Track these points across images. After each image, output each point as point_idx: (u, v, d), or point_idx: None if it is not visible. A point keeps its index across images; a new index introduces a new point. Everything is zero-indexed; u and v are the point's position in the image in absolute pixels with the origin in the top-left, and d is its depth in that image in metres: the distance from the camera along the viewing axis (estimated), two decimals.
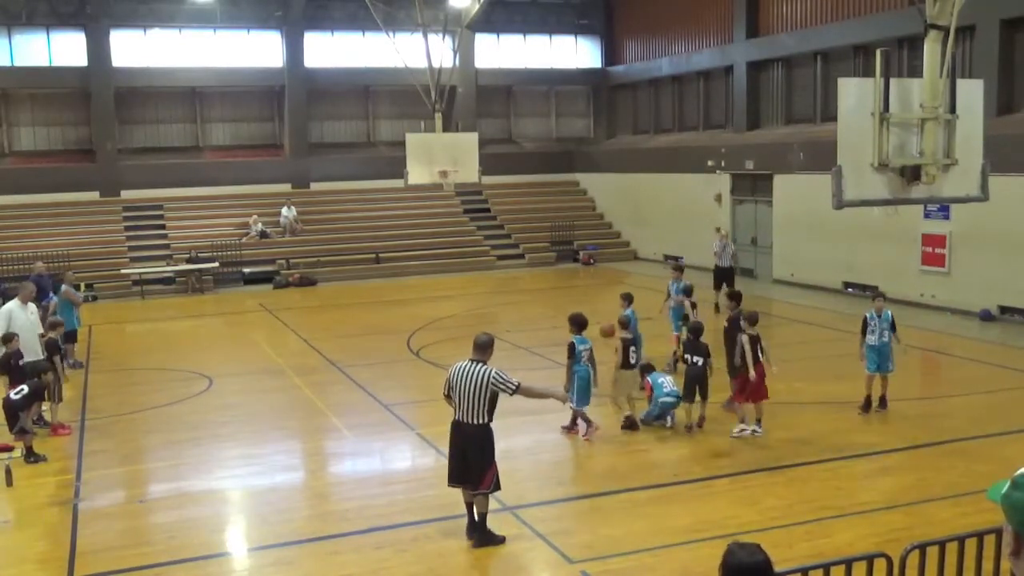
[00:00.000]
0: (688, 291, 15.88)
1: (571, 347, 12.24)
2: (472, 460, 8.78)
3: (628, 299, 13.90)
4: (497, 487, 8.93)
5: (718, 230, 28.07)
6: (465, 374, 8.72)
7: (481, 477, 8.78)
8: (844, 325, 19.06)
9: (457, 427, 8.88)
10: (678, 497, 10.14)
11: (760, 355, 12.11)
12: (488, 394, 8.68)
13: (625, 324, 12.95)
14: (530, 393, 9.33)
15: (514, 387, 8.80)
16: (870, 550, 6.91)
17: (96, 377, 16.64)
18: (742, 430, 12.09)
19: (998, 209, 15.47)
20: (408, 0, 27.03)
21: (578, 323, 12.41)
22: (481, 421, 8.74)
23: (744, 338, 12.10)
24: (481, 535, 8.90)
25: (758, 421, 12.19)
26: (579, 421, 12.36)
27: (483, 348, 8.92)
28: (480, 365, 8.77)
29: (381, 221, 31.98)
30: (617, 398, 12.87)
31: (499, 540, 8.91)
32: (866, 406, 13.03)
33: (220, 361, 18.04)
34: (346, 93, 34.25)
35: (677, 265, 17.40)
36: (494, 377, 8.68)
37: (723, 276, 21.52)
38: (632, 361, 12.70)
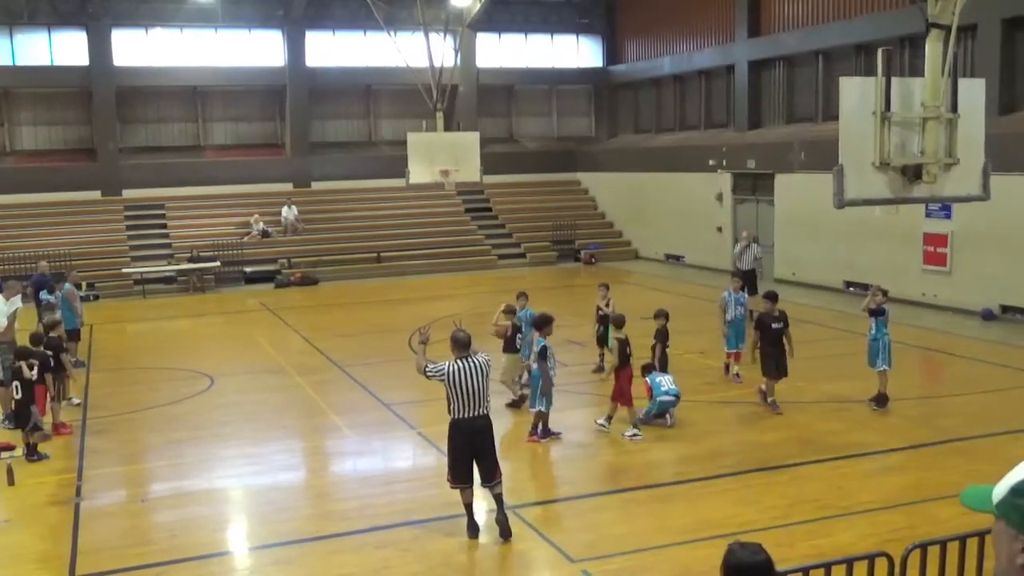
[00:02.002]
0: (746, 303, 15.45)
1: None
2: (486, 452, 9.01)
3: (525, 297, 14.36)
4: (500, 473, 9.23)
5: (719, 230, 28.15)
6: (474, 370, 8.92)
7: (495, 467, 9.06)
8: (845, 324, 19.06)
9: (469, 423, 8.97)
10: (679, 496, 10.15)
11: (628, 359, 12.28)
12: (489, 381, 9.13)
13: (512, 312, 13.71)
14: None
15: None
16: (871, 549, 6.90)
17: (97, 376, 16.65)
18: (634, 435, 12.14)
19: (1000, 208, 15.45)
20: None
21: (536, 325, 12.47)
22: (488, 411, 9.08)
23: (613, 343, 12.33)
24: (504, 514, 9.01)
25: (608, 418, 12.38)
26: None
27: (467, 344, 9.14)
28: (473, 359, 9.01)
29: (382, 220, 31.98)
30: (505, 380, 13.36)
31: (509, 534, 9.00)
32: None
33: (221, 360, 18.04)
34: (347, 92, 34.25)
35: (737, 277, 16.65)
36: (490, 365, 9.24)
37: (744, 280, 20.98)
38: (517, 346, 13.46)
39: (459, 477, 9.05)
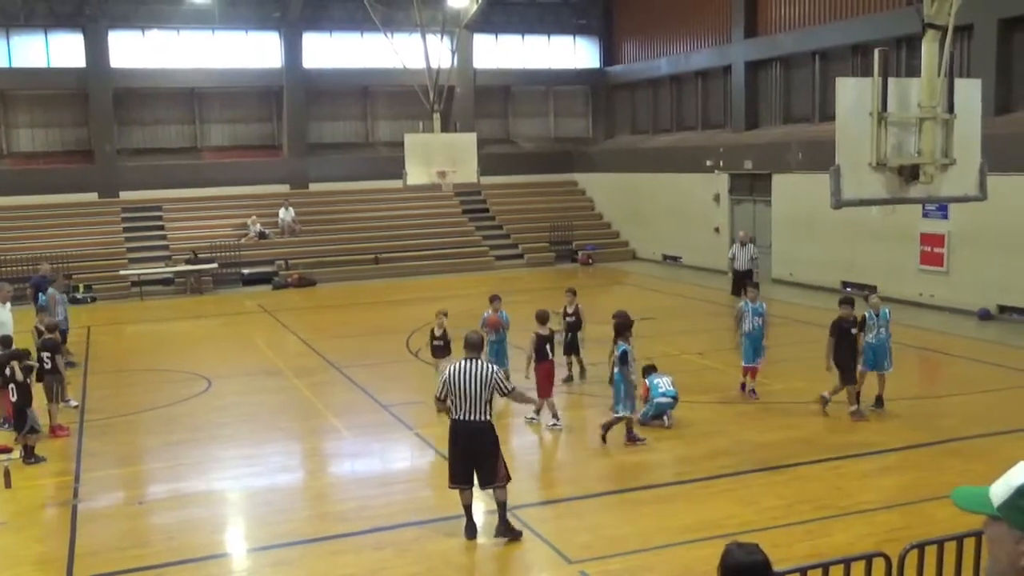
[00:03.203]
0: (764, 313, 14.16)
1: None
2: (482, 458, 8.92)
3: (498, 300, 14.55)
4: (509, 477, 9.09)
5: (717, 230, 28.16)
6: (467, 373, 8.86)
7: (494, 472, 8.94)
8: None
9: (462, 426, 8.94)
10: (678, 497, 10.15)
11: (550, 353, 12.62)
12: (491, 392, 8.94)
13: (446, 315, 14.31)
14: (519, 398, 9.94)
15: (510, 389, 9.29)
16: (869, 550, 6.92)
17: (95, 378, 16.64)
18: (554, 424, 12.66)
19: (996, 208, 15.46)
20: (406, 0, 27.01)
21: (617, 330, 12.15)
22: (486, 418, 8.93)
23: (533, 336, 12.84)
24: (503, 526, 8.99)
25: (537, 411, 12.68)
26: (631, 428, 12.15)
27: (477, 346, 9.20)
28: (479, 363, 8.97)
29: (380, 222, 31.97)
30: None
31: (517, 534, 8.98)
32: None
33: (219, 362, 18.02)
34: (344, 94, 34.24)
35: (754, 283, 15.37)
36: (497, 376, 9.01)
37: (740, 280, 20.84)
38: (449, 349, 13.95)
39: (456, 478, 9.03)
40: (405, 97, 30.56)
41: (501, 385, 9.04)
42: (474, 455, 8.93)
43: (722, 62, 29.64)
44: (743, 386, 14.08)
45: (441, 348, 14.08)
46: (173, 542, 9.23)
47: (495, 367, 9.21)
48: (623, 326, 12.04)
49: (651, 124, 33.94)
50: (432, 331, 14.34)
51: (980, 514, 2.19)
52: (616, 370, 11.83)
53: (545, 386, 12.77)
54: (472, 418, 8.87)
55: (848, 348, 12.79)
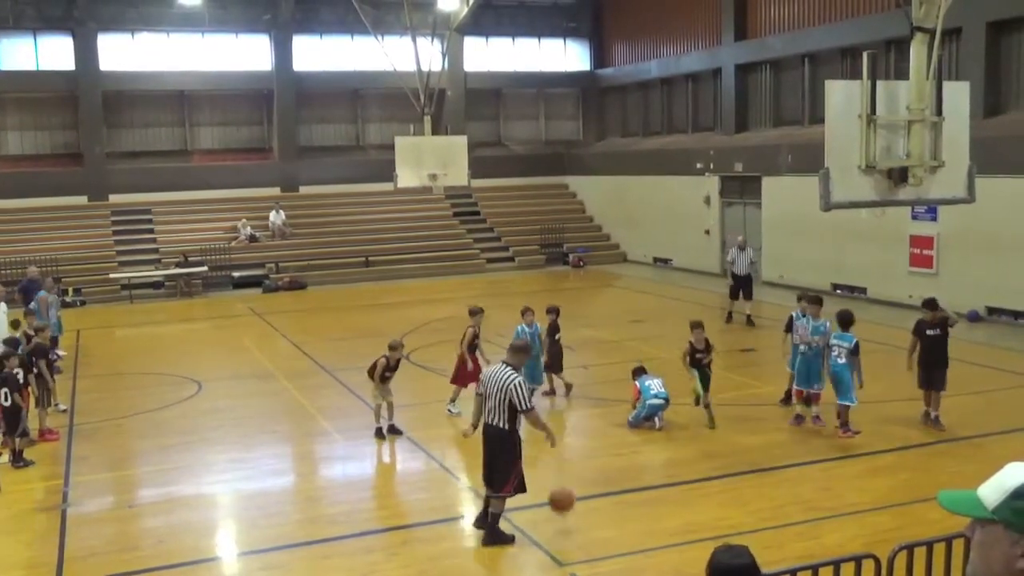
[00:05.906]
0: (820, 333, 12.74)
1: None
2: (495, 462, 8.91)
3: (531, 312, 14.31)
4: (521, 490, 8.97)
5: (707, 232, 28.21)
6: (495, 376, 8.84)
7: (503, 481, 8.86)
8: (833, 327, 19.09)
9: (485, 427, 8.98)
10: (669, 499, 10.16)
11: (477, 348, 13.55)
12: (508, 400, 8.71)
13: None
14: (534, 421, 9.06)
15: (527, 407, 8.79)
16: (859, 551, 6.93)
17: (85, 382, 16.57)
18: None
19: (985, 210, 15.52)
20: (397, 3, 27.00)
21: (843, 322, 12.32)
22: (503, 425, 8.80)
23: (469, 331, 13.57)
24: (491, 534, 8.95)
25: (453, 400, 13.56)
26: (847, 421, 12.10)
27: (515, 352, 9.09)
28: (509, 370, 8.83)
29: (371, 224, 31.94)
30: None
31: (508, 539, 8.96)
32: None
33: (209, 365, 17.98)
34: (335, 97, 34.19)
35: (816, 297, 13.52)
36: (514, 386, 8.69)
37: (740, 284, 20.73)
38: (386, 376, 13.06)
39: (484, 476, 9.07)
40: (396, 100, 30.53)
41: (517, 399, 8.65)
42: (490, 458, 8.94)
43: (712, 65, 29.71)
44: (798, 417, 12.72)
45: (391, 379, 12.75)
46: (163, 546, 9.20)
47: (519, 379, 8.79)
48: (848, 320, 12.26)
49: (641, 127, 33.99)
50: (387, 362, 12.62)
51: (970, 517, 2.16)
52: (843, 361, 11.94)
53: (462, 376, 13.50)
54: (491, 421, 8.87)
55: (926, 350, 12.38)
